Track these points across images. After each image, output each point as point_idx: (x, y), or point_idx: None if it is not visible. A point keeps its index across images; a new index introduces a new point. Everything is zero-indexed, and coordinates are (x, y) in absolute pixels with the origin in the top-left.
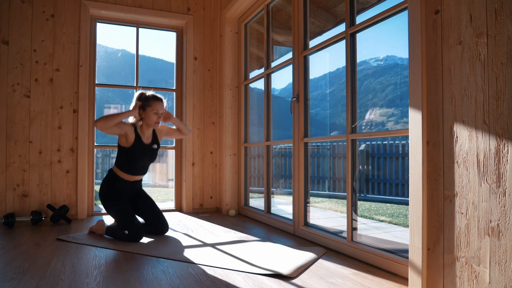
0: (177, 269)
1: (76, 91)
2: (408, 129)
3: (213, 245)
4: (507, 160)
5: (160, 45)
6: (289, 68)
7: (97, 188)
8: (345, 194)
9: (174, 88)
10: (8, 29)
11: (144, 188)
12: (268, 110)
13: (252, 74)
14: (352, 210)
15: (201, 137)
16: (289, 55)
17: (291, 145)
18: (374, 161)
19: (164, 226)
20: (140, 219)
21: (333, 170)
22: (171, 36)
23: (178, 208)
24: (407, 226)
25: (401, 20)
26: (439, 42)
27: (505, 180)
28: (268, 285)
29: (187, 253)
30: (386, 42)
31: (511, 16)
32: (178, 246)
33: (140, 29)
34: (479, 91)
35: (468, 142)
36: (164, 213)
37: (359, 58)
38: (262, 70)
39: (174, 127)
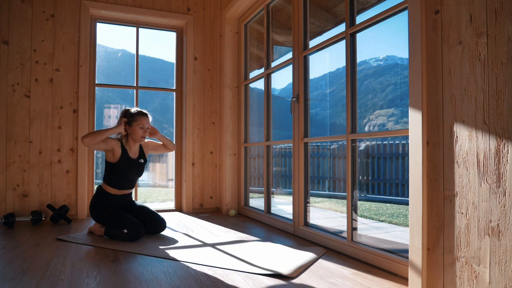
0: (177, 269)
1: (76, 91)
2: (408, 129)
3: (213, 245)
4: (507, 160)
5: (160, 45)
6: (289, 68)
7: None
8: (345, 194)
9: (174, 88)
10: (8, 29)
11: (144, 188)
12: (268, 110)
13: (252, 74)
14: (352, 210)
15: (201, 137)
16: (289, 55)
17: (291, 145)
18: (374, 161)
19: (161, 222)
20: None
21: (333, 170)
22: (171, 36)
23: (178, 208)
24: (407, 226)
25: (401, 20)
26: (439, 42)
27: (505, 180)
28: (268, 285)
29: (187, 253)
30: (386, 42)
31: (511, 16)
32: (178, 246)
33: (140, 29)
34: (479, 91)
35: (468, 142)
36: (164, 213)
37: (359, 58)
38: (262, 70)
39: (159, 142)
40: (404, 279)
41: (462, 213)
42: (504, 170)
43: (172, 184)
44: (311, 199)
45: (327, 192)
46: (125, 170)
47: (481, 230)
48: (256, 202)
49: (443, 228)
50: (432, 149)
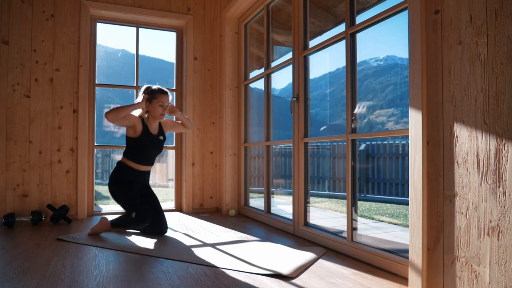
0: (177, 269)
1: (76, 91)
2: (408, 129)
3: (213, 245)
4: (507, 160)
5: (160, 45)
6: (289, 68)
7: (97, 188)
8: (345, 194)
9: (174, 88)
10: (8, 29)
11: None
12: (268, 110)
13: (252, 74)
14: (352, 210)
15: (201, 137)
16: (289, 55)
17: (291, 145)
18: (374, 161)
19: (164, 228)
20: None
21: (333, 170)
22: (171, 36)
23: (178, 208)
24: (407, 226)
25: (401, 20)
26: (439, 42)
27: (505, 180)
28: (268, 285)
29: (187, 253)
30: (386, 42)
31: (511, 16)
32: (178, 246)
33: (140, 29)
34: (479, 91)
35: (468, 142)
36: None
37: (359, 58)
38: (262, 70)
39: (178, 121)
40: (404, 279)
41: (462, 213)
42: (504, 170)
43: (172, 184)
44: (311, 199)
45: (327, 192)
46: (146, 145)
47: (481, 230)
48: (256, 202)
49: (443, 228)
50: (432, 149)
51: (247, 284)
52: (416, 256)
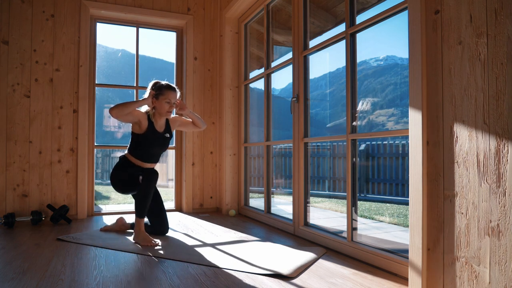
0: (177, 269)
1: (76, 91)
2: (408, 129)
3: (213, 245)
4: (507, 160)
5: (160, 45)
6: (289, 68)
7: (97, 188)
8: (345, 194)
9: None
10: (8, 29)
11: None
12: (268, 110)
13: (252, 74)
14: (352, 210)
15: (201, 137)
16: (289, 55)
17: (291, 145)
18: (374, 161)
19: (166, 228)
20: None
21: (333, 170)
22: (171, 36)
23: (178, 208)
24: (407, 226)
25: (401, 20)
26: (439, 42)
27: (505, 180)
28: (268, 285)
29: (187, 253)
30: (386, 42)
31: (511, 16)
32: (178, 246)
33: (140, 29)
34: (479, 91)
35: (468, 142)
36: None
37: (359, 58)
38: (262, 70)
39: (189, 119)
40: (404, 279)
41: (462, 213)
42: (504, 170)
43: (172, 184)
44: (311, 199)
45: (327, 192)
46: (150, 142)
47: (481, 230)
48: (256, 202)
49: (443, 228)
50: (432, 149)
51: (247, 284)
52: (416, 256)
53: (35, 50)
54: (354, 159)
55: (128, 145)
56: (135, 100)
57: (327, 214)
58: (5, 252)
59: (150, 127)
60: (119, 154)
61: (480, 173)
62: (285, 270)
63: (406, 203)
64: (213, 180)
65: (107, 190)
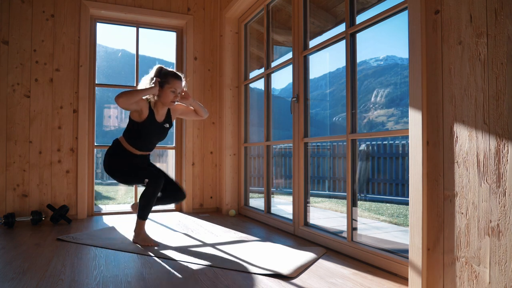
0: (177, 269)
1: (76, 91)
2: (408, 129)
3: (213, 245)
4: (507, 160)
5: (160, 45)
6: (289, 68)
7: (97, 188)
8: (345, 194)
9: None
10: (8, 29)
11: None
12: (268, 110)
13: (252, 74)
14: (352, 210)
15: (201, 137)
16: (289, 55)
17: (291, 145)
18: (374, 161)
19: (182, 192)
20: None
21: (333, 170)
22: (171, 36)
23: (178, 208)
24: (407, 226)
25: (401, 20)
26: (439, 42)
27: (505, 180)
28: (268, 285)
29: (187, 253)
30: (386, 42)
31: (511, 16)
32: (178, 246)
33: (140, 29)
34: (479, 91)
35: (468, 142)
36: (164, 213)
37: (359, 58)
38: (262, 70)
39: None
40: (404, 279)
41: (462, 213)
42: (504, 170)
43: None
44: (311, 199)
45: (327, 192)
46: (148, 132)
47: (481, 230)
48: (256, 202)
49: (443, 228)
50: (432, 149)
51: (247, 284)
52: (416, 256)
53: (35, 50)
54: (353, 162)
55: (124, 130)
56: (142, 88)
57: (327, 214)
58: (5, 252)
59: (150, 116)
60: None
61: (480, 173)
62: (285, 270)
63: (406, 203)
64: (213, 180)
65: (107, 190)
